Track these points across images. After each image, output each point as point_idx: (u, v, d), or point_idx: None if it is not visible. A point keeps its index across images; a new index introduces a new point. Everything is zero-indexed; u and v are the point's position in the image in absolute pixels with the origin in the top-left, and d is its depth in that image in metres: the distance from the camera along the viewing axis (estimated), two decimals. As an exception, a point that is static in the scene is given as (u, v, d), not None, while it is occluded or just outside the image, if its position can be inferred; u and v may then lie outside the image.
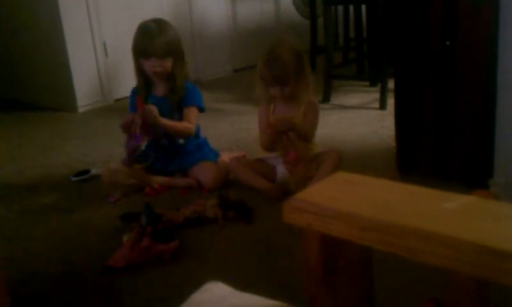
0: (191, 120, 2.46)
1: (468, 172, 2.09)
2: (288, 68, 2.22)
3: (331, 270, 0.64)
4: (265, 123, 2.34)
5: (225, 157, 2.54)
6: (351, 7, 4.30)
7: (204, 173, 2.38)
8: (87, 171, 2.61)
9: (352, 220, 0.58)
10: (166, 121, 2.39)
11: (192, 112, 2.47)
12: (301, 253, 0.70)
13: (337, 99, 3.61)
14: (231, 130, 3.15)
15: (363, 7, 4.05)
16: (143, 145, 2.48)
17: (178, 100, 2.46)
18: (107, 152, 2.95)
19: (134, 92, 2.54)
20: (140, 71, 2.45)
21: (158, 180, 2.42)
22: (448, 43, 2.01)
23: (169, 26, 2.44)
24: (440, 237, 0.53)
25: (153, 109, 2.34)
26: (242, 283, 1.60)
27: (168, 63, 2.40)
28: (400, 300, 1.46)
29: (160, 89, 2.48)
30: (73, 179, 2.57)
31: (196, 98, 2.51)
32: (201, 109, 2.51)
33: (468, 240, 0.52)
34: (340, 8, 4.47)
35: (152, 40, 2.35)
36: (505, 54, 1.88)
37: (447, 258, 0.53)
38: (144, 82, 2.48)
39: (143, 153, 2.48)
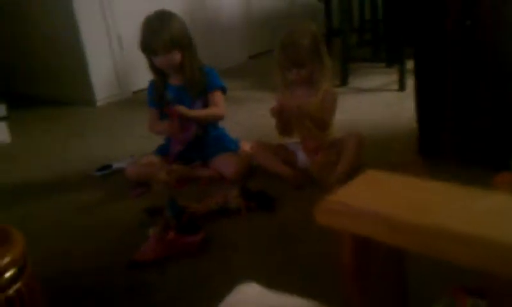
0: (219, 104, 2.47)
1: (491, 154, 2.07)
2: (304, 50, 2.22)
3: (365, 271, 0.65)
4: (281, 109, 2.33)
5: (245, 146, 2.54)
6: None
7: (225, 164, 2.39)
8: (109, 166, 2.63)
9: (385, 222, 0.58)
10: (195, 113, 2.41)
11: (217, 96, 2.48)
12: (333, 250, 0.70)
13: (354, 82, 3.58)
14: (249, 117, 3.15)
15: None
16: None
17: (200, 87, 2.46)
18: (128, 146, 2.97)
19: (151, 86, 2.55)
20: (152, 66, 2.46)
21: (181, 170, 2.42)
22: (468, 23, 1.99)
23: (172, 18, 2.42)
24: (474, 238, 0.53)
25: (180, 109, 2.36)
26: (269, 275, 1.61)
27: (176, 56, 2.39)
28: (432, 289, 1.45)
29: (176, 79, 2.48)
30: (96, 174, 2.59)
31: (217, 80, 2.51)
32: (224, 90, 2.52)
33: (502, 241, 0.52)
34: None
35: (154, 37, 2.35)
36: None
37: (482, 259, 0.53)
38: (160, 74, 2.48)
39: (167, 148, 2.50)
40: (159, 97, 2.48)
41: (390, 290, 0.69)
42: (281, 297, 0.75)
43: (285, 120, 2.29)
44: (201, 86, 2.46)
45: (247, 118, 3.15)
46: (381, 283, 0.67)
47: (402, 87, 3.30)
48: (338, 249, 0.65)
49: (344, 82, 3.56)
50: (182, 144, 2.43)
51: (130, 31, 3.85)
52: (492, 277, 0.55)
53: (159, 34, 2.35)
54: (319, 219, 0.63)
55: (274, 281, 0.84)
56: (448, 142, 2.19)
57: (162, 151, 2.52)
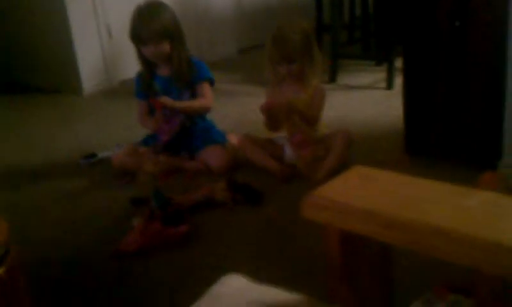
0: (206, 95, 2.47)
1: (477, 153, 2.09)
2: (295, 45, 2.23)
3: (351, 266, 0.65)
4: (270, 104, 2.33)
5: (233, 138, 2.53)
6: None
7: (212, 156, 2.38)
8: (95, 154, 2.61)
9: (372, 218, 0.58)
10: (181, 104, 2.41)
11: (205, 87, 2.48)
12: (319, 244, 0.70)
13: (343, 79, 3.59)
14: (238, 111, 3.14)
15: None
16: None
17: (187, 78, 2.45)
18: (114, 135, 2.95)
19: (138, 77, 2.53)
20: (141, 56, 2.45)
21: (167, 161, 2.41)
22: (457, 23, 2.00)
23: (163, 9, 2.43)
24: (461, 236, 0.53)
25: (165, 101, 2.35)
26: (253, 267, 1.61)
27: (165, 47, 2.39)
28: (418, 286, 1.46)
29: (164, 70, 2.47)
30: (81, 162, 2.58)
31: (205, 72, 2.50)
32: (212, 82, 2.51)
33: (489, 239, 0.52)
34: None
35: (144, 27, 2.36)
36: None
37: (468, 256, 0.53)
38: (148, 64, 2.47)
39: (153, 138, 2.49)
40: (147, 87, 2.47)
41: (376, 286, 0.69)
42: (267, 289, 0.75)
43: (274, 117, 2.29)
44: (189, 77, 2.45)
45: (236, 111, 3.14)
46: (367, 278, 0.67)
47: (390, 85, 3.31)
48: (325, 244, 0.65)
49: (332, 78, 3.56)
50: (168, 135, 2.42)
51: (119, 20, 3.84)
52: (479, 275, 0.56)
53: (149, 24, 2.34)
54: (305, 212, 0.63)
55: (259, 274, 0.84)
56: (435, 141, 2.20)
57: (149, 141, 2.50)
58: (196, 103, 2.46)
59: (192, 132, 2.50)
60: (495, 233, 0.53)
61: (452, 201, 0.59)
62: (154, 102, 2.39)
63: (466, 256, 0.53)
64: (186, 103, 2.44)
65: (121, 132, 2.92)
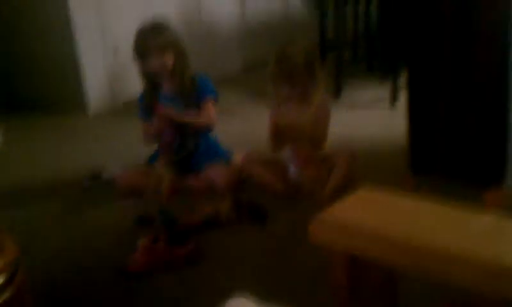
0: (209, 113, 2.46)
1: (481, 173, 2.08)
2: (298, 68, 2.23)
3: (358, 289, 0.65)
4: (274, 125, 2.35)
5: (237, 156, 2.54)
6: (361, 3, 4.27)
7: (216, 174, 2.38)
8: (100, 175, 2.62)
9: (380, 242, 0.58)
10: (184, 118, 2.41)
11: (208, 104, 2.46)
12: (324, 263, 0.70)
13: (348, 96, 3.59)
14: (242, 129, 3.15)
15: (374, 2, 4.03)
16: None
17: (192, 96, 2.46)
18: (119, 155, 2.95)
19: (142, 97, 2.55)
20: (145, 74, 2.46)
21: (170, 182, 2.42)
22: (462, 37, 2.00)
23: (165, 24, 2.48)
24: (466, 259, 0.53)
25: (167, 111, 2.36)
26: (260, 289, 1.60)
27: (168, 59, 2.40)
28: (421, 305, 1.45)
29: (168, 88, 2.47)
30: (86, 183, 2.58)
31: (209, 89, 2.50)
32: (215, 98, 2.51)
33: (491, 262, 0.52)
34: (350, 3, 4.44)
35: (149, 38, 2.39)
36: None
37: (473, 280, 0.53)
38: (151, 84, 2.48)
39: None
40: (150, 105, 2.47)
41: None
42: (273, 310, 0.75)
43: (278, 137, 2.30)
44: (193, 95, 2.46)
45: (240, 129, 3.15)
46: (373, 301, 0.67)
47: (394, 103, 3.32)
48: (331, 268, 0.65)
49: (337, 96, 3.57)
50: (171, 137, 2.42)
51: (125, 40, 3.86)
52: (483, 300, 0.56)
53: (153, 36, 2.39)
54: (313, 236, 0.63)
55: (265, 295, 0.84)
56: (439, 159, 2.20)
57: (154, 160, 2.51)
58: (198, 120, 2.46)
59: (197, 150, 2.50)
60: (497, 257, 0.53)
61: (458, 225, 0.59)
62: (157, 110, 2.40)
63: (471, 280, 0.53)
64: (189, 118, 2.44)
65: (127, 152, 2.93)
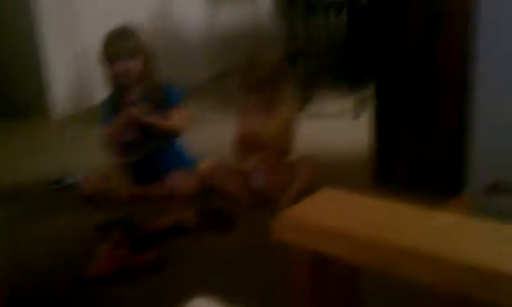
0: (176, 119, 2.43)
1: (443, 181, 2.13)
2: (265, 78, 2.25)
3: (319, 287, 0.65)
4: (240, 133, 2.36)
5: (203, 164, 2.53)
6: (331, 14, 4.30)
7: (180, 181, 2.36)
8: (63, 180, 2.58)
9: (342, 239, 0.59)
10: (151, 119, 2.37)
11: (178, 112, 2.44)
12: (287, 266, 0.70)
13: (314, 107, 3.62)
14: (207, 137, 3.14)
15: (343, 14, 4.07)
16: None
17: (159, 102, 2.43)
18: (82, 160, 2.91)
19: (105, 103, 2.51)
20: (112, 78, 2.43)
21: (133, 189, 2.40)
22: (427, 51, 2.05)
23: (132, 30, 2.45)
24: (428, 256, 0.54)
25: (134, 111, 2.34)
26: (222, 294, 1.60)
27: (137, 64, 2.38)
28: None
29: (135, 95, 2.44)
30: (49, 187, 2.54)
31: (176, 96, 2.48)
32: (183, 104, 2.49)
33: (453, 259, 0.54)
34: (319, 14, 4.47)
35: (116, 43, 2.36)
36: (484, 63, 1.91)
37: (434, 276, 0.54)
38: (118, 88, 2.45)
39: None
40: (116, 110, 2.43)
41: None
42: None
43: (244, 147, 2.31)
44: (160, 102, 2.44)
45: (205, 137, 3.14)
46: (335, 300, 0.67)
47: (359, 114, 3.35)
48: (293, 266, 0.65)
49: (304, 106, 3.59)
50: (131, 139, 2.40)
51: (92, 46, 3.82)
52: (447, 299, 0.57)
53: (124, 39, 2.37)
54: (276, 234, 0.63)
55: (227, 298, 0.84)
56: (402, 169, 2.24)
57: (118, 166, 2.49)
58: (164, 123, 2.42)
59: (161, 157, 2.48)
60: (459, 254, 0.54)
61: (419, 223, 0.60)
62: (125, 110, 2.36)
63: (434, 276, 0.54)
64: (157, 120, 2.39)
65: (91, 157, 2.88)
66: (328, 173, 2.41)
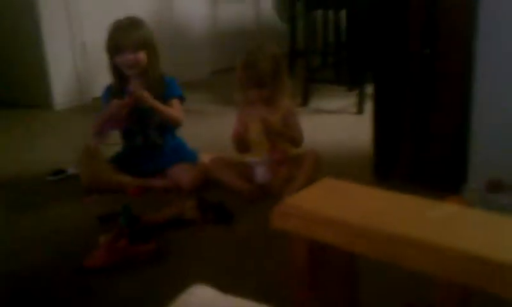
0: (178, 111, 2.46)
1: (443, 178, 2.13)
2: (265, 71, 2.25)
3: (317, 275, 0.66)
4: (240, 127, 2.36)
5: (204, 157, 2.53)
6: (330, 12, 4.31)
7: (182, 174, 2.37)
8: (63, 171, 2.58)
9: (340, 227, 0.59)
10: (157, 104, 2.39)
11: (175, 103, 2.46)
12: (288, 257, 0.71)
13: (315, 103, 3.63)
14: (209, 131, 3.15)
15: (343, 12, 4.08)
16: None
17: (159, 95, 2.44)
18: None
19: (108, 90, 2.52)
20: (115, 69, 2.44)
21: (134, 181, 2.40)
22: (427, 51, 2.05)
23: (141, 21, 2.46)
24: (425, 244, 0.54)
25: (144, 93, 2.35)
26: (222, 285, 1.60)
27: (142, 56, 2.39)
28: (383, 304, 1.48)
29: (136, 86, 2.44)
30: (50, 178, 2.54)
31: (176, 89, 2.50)
32: (182, 100, 2.51)
33: (451, 247, 0.54)
34: (319, 13, 4.49)
35: (124, 33, 2.37)
36: (483, 63, 1.92)
37: (431, 264, 0.54)
38: (120, 80, 2.46)
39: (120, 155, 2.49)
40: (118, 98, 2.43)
41: (343, 295, 0.70)
42: (234, 300, 0.75)
43: (243, 140, 2.32)
44: (160, 94, 2.44)
45: (207, 130, 3.15)
46: (333, 287, 0.68)
47: (360, 110, 3.36)
48: (291, 252, 0.66)
49: (304, 103, 3.60)
50: (118, 125, 2.42)
51: (94, 37, 3.83)
52: (444, 290, 0.57)
53: (129, 32, 2.37)
54: (274, 222, 0.63)
55: (226, 288, 0.84)
56: (402, 166, 2.24)
57: (118, 159, 2.49)
58: (170, 111, 2.43)
59: (163, 150, 2.49)
60: (456, 242, 0.54)
61: (417, 212, 0.60)
62: (129, 95, 2.37)
63: (429, 264, 0.54)
64: (162, 106, 2.41)
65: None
66: (330, 169, 2.41)
